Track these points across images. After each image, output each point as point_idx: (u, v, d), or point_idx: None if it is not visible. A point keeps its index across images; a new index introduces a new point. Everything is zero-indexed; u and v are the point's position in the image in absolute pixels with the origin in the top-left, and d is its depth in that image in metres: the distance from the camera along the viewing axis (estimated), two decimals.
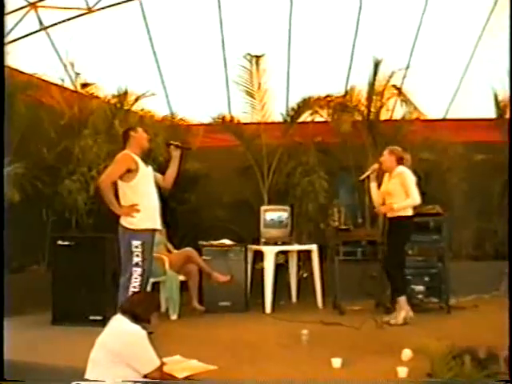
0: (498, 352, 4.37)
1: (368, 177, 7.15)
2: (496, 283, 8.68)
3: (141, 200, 5.78)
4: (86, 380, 4.14)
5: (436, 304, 7.54)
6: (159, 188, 6.24)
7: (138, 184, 5.80)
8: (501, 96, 9.73)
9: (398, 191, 6.76)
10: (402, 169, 6.82)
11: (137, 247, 5.71)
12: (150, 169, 6.00)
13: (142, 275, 5.70)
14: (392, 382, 4.38)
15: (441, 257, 7.64)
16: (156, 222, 5.98)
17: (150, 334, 4.37)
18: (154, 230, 5.99)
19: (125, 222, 5.77)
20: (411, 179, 6.76)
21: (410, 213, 6.81)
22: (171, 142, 6.33)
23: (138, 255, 5.70)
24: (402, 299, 6.75)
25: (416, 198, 6.72)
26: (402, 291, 6.84)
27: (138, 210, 5.72)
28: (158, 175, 6.18)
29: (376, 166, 7.01)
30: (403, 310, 6.70)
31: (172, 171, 6.18)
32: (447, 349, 4.20)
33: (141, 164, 5.86)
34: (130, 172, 5.77)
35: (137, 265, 5.69)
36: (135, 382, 4.13)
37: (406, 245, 7.05)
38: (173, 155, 6.17)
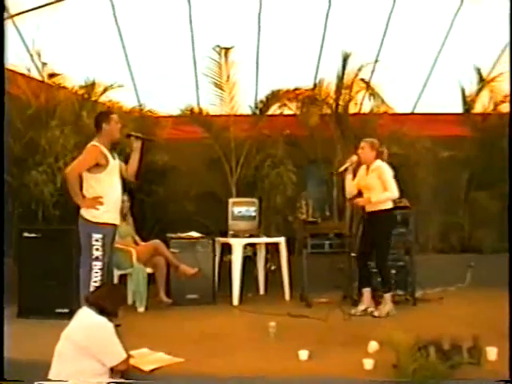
0: (462, 343, 4.43)
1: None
2: (461, 276, 8.80)
3: (105, 193, 5.71)
4: (49, 380, 4.11)
5: (402, 296, 7.60)
6: (124, 180, 6.15)
7: (105, 177, 5.72)
8: (468, 91, 9.84)
9: (376, 185, 6.83)
10: (379, 163, 6.89)
11: (97, 240, 5.63)
12: (116, 161, 5.90)
13: (102, 269, 5.62)
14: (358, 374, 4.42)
15: (408, 250, 7.70)
16: (117, 217, 5.93)
17: (117, 326, 4.36)
18: (115, 225, 5.91)
19: (86, 214, 5.68)
20: (389, 173, 6.85)
21: (390, 206, 6.90)
22: (131, 132, 6.24)
23: (97, 249, 5.62)
24: (389, 294, 6.87)
25: (394, 192, 6.82)
26: (390, 286, 6.95)
27: (101, 203, 5.66)
28: (123, 165, 6.08)
29: (355, 158, 7.02)
30: (388, 305, 6.81)
31: (134, 163, 6.07)
32: (412, 340, 4.25)
33: (110, 158, 5.78)
34: (99, 166, 5.70)
35: (97, 259, 5.61)
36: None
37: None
38: (134, 146, 6.07)
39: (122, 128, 6.22)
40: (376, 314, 6.74)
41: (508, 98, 9.23)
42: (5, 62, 6.27)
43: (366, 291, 6.93)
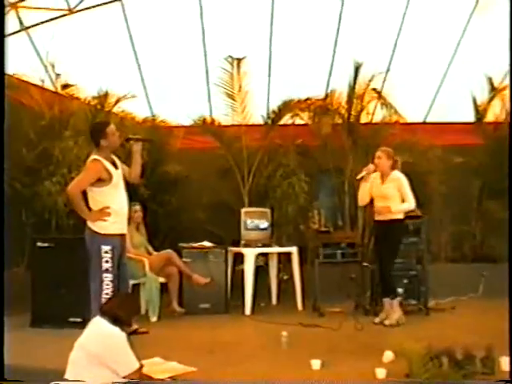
0: (475, 353, 4.42)
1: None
2: (474, 285, 8.77)
3: (111, 204, 5.64)
4: (66, 380, 4.13)
5: (415, 306, 7.58)
6: (133, 190, 6.09)
7: (109, 190, 5.65)
8: (479, 100, 9.83)
9: (395, 195, 6.86)
10: (399, 174, 6.94)
11: (106, 252, 5.58)
12: (119, 171, 5.78)
13: (112, 281, 5.57)
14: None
15: (420, 259, 7.69)
16: (125, 227, 5.87)
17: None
18: (123, 235, 5.86)
19: (94, 226, 5.63)
20: (407, 184, 6.90)
21: (401, 216, 6.92)
22: (130, 136, 6.09)
23: (107, 261, 5.57)
24: (397, 302, 6.87)
25: (413, 203, 6.89)
26: (395, 293, 6.95)
27: (108, 214, 5.59)
28: (126, 169, 5.94)
29: (372, 167, 6.99)
30: (397, 312, 6.80)
31: (136, 166, 5.93)
32: (425, 350, 4.25)
33: (112, 171, 5.67)
34: (102, 181, 5.62)
35: (107, 271, 5.56)
36: None
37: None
38: (134, 150, 5.91)
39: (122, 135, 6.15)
40: (387, 322, 6.72)
41: None
42: (5, 64, 6.25)
43: (388, 301, 6.92)
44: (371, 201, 7.09)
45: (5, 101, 6.19)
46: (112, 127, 5.81)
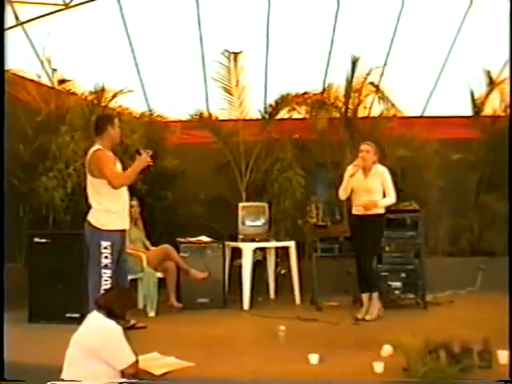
0: (472, 346, 4.42)
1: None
2: (471, 279, 8.78)
3: (113, 199, 5.67)
4: (62, 380, 4.13)
5: (413, 300, 7.59)
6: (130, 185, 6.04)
7: None
8: (477, 94, 9.82)
9: (378, 189, 6.85)
10: (383, 168, 6.93)
11: (106, 248, 5.60)
12: (119, 166, 5.87)
13: (111, 277, 5.59)
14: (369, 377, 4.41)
15: (417, 253, 7.70)
16: (126, 222, 5.88)
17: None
18: (124, 231, 5.88)
19: (95, 221, 5.65)
20: (390, 178, 6.89)
21: (383, 210, 6.92)
22: (141, 150, 5.84)
23: (106, 257, 5.59)
24: (376, 295, 6.86)
25: (394, 198, 6.89)
26: (378, 287, 6.96)
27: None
28: (109, 171, 5.74)
29: (361, 161, 6.91)
30: (376, 305, 6.80)
31: (132, 173, 5.75)
32: (422, 344, 4.25)
33: (117, 162, 5.81)
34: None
35: (106, 266, 5.59)
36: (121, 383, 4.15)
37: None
38: (137, 159, 5.74)
39: (131, 134, 6.20)
40: (368, 317, 6.69)
41: None
42: (5, 63, 6.25)
43: (366, 296, 6.91)
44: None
45: (4, 97, 6.20)
46: (117, 120, 5.96)
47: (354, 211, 7.00)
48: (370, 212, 6.82)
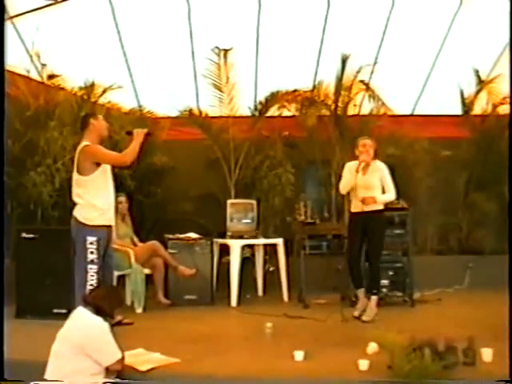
0: (457, 344, 4.44)
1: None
2: (460, 277, 8.82)
3: (99, 194, 5.69)
4: (45, 380, 4.12)
5: (400, 298, 7.62)
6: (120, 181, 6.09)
7: (98, 177, 5.68)
8: (466, 93, 9.85)
9: (377, 185, 6.76)
10: (382, 164, 6.86)
11: (92, 243, 5.61)
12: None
13: (97, 272, 5.59)
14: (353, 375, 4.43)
15: (405, 251, 7.72)
16: (112, 218, 5.90)
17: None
18: (110, 226, 5.88)
19: (80, 217, 5.66)
20: (389, 174, 6.84)
21: (382, 206, 6.84)
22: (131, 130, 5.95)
23: (92, 252, 5.60)
24: (376, 298, 6.77)
25: (394, 194, 6.83)
26: (378, 289, 6.91)
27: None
28: (112, 154, 5.94)
29: (367, 157, 6.77)
30: (374, 309, 6.70)
31: (133, 150, 5.76)
32: (407, 342, 4.27)
33: None
34: (94, 165, 5.66)
35: (92, 262, 5.59)
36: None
37: None
38: (136, 138, 5.79)
39: (120, 130, 6.20)
40: (365, 318, 6.60)
41: (507, 100, 9.25)
42: (5, 63, 6.24)
43: (361, 292, 6.87)
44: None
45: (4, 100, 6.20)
46: (100, 115, 6.02)
47: (353, 209, 6.88)
48: (369, 209, 6.71)
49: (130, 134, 5.89)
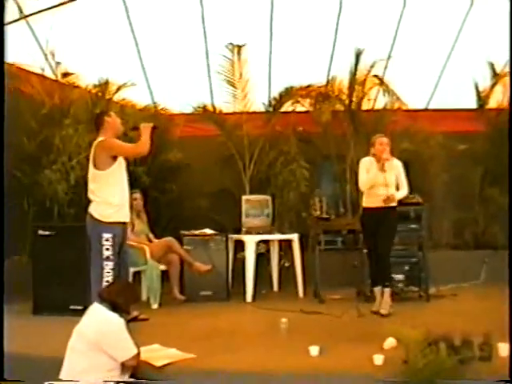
0: (473, 339, 4.42)
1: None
2: (476, 272, 8.78)
3: (114, 191, 5.73)
4: (60, 380, 4.15)
5: (416, 293, 7.60)
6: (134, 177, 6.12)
7: (114, 172, 5.73)
8: (481, 86, 9.79)
9: (394, 182, 6.79)
10: (398, 161, 6.88)
11: (107, 240, 5.65)
12: (121, 158, 5.90)
13: (113, 269, 5.64)
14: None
15: (421, 246, 7.69)
16: (127, 215, 5.93)
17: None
18: (125, 223, 5.93)
19: (96, 213, 5.70)
20: (403, 170, 6.87)
21: (395, 203, 6.83)
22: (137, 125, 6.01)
23: (108, 248, 5.64)
24: (389, 290, 6.76)
25: (407, 190, 6.88)
26: (390, 281, 6.90)
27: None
28: (128, 145, 5.97)
29: (389, 154, 6.77)
30: (389, 301, 6.70)
31: (144, 141, 5.81)
32: (423, 336, 4.25)
33: None
34: (111, 160, 5.71)
35: (108, 258, 5.64)
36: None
37: None
38: (142, 128, 5.86)
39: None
40: (383, 312, 6.58)
41: None
42: (4, 58, 6.26)
43: (379, 290, 6.84)
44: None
45: (5, 90, 6.21)
46: (113, 112, 6.07)
47: (368, 204, 6.85)
48: (386, 205, 6.70)
49: (136, 129, 5.96)
